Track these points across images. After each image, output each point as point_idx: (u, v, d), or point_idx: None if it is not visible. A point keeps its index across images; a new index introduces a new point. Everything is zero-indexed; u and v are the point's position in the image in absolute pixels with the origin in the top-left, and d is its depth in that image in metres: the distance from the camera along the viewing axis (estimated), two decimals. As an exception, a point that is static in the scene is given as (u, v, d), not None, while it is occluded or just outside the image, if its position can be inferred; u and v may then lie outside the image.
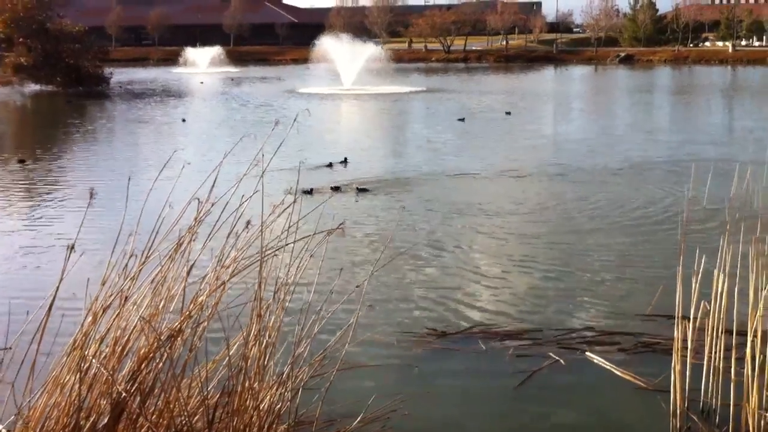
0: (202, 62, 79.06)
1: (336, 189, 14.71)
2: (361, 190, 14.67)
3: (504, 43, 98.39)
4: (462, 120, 27.54)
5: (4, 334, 4.26)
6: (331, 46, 52.20)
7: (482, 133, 24.91)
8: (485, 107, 33.82)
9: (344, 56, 49.00)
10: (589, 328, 7.69)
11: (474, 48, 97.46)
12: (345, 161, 18.09)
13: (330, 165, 17.64)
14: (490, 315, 8.16)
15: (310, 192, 13.85)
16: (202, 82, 55.95)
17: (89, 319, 3.96)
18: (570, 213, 13.03)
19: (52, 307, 3.88)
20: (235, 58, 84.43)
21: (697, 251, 6.00)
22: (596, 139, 23.56)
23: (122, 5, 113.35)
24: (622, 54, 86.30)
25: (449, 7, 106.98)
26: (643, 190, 14.80)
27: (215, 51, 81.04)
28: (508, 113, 30.38)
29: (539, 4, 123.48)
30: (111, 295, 4.01)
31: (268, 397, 4.32)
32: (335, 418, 5.26)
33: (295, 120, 5.00)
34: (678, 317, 5.79)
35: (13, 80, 46.60)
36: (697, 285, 5.75)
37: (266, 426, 4.29)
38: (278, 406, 4.36)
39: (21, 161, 19.08)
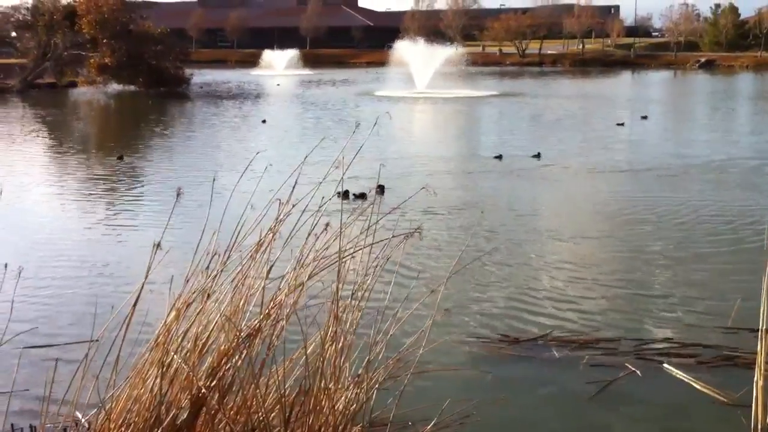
0: (279, 65, 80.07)
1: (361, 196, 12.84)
2: None
3: (580, 47, 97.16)
4: (621, 125, 27.76)
5: (90, 327, 4.39)
6: (407, 49, 52.38)
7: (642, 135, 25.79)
8: (601, 112, 33.59)
9: (420, 59, 48.97)
10: (667, 339, 7.51)
11: (549, 52, 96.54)
12: (538, 155, 19.39)
13: (499, 157, 19.27)
14: (564, 323, 8.05)
15: (359, 196, 12.84)
16: (278, 84, 56.66)
17: (172, 315, 4.06)
18: (651, 218, 12.79)
19: (137, 303, 3.99)
20: (312, 60, 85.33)
21: (784, 262, 5.80)
22: (697, 142, 23.60)
23: (203, 8, 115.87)
24: (703, 59, 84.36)
25: (525, 10, 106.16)
26: (726, 196, 14.50)
27: (292, 54, 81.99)
28: (645, 117, 30.66)
29: (617, 8, 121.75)
30: (194, 292, 4.10)
31: (343, 398, 4.35)
32: (409, 422, 5.26)
33: (375, 123, 5.03)
34: (762, 330, 5.60)
35: (97, 80, 47.88)
36: (783, 297, 5.57)
37: (341, 426, 4.32)
38: (353, 406, 4.38)
39: (120, 158, 19.71)
